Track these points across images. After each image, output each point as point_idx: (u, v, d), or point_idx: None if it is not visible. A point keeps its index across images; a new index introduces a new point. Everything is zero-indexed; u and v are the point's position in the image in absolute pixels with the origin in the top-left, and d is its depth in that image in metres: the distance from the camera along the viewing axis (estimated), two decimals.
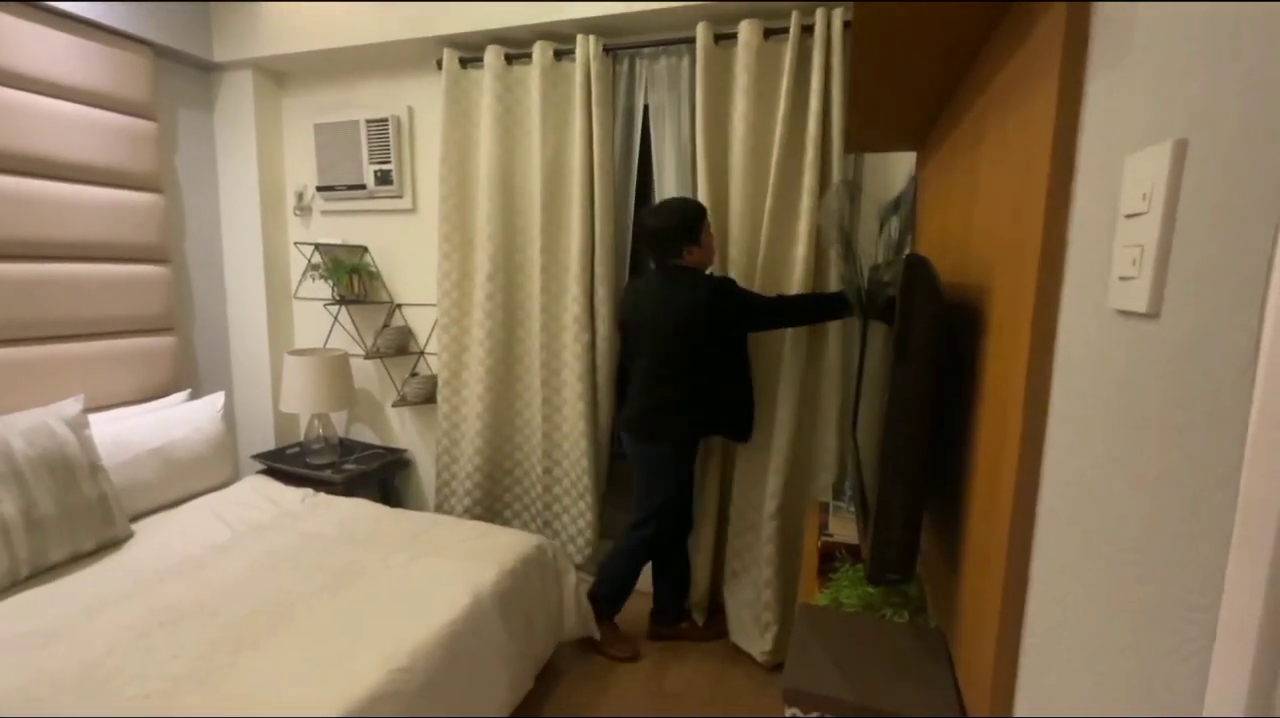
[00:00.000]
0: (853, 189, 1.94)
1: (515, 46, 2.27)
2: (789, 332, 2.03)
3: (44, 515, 1.73)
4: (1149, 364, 0.44)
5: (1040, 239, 0.62)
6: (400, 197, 2.61)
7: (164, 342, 2.48)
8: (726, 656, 2.14)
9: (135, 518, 2.02)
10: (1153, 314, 0.44)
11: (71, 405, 1.93)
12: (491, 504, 2.55)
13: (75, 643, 1.42)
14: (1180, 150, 0.41)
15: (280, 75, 2.74)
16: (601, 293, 2.26)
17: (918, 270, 0.83)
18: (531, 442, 2.45)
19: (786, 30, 1.93)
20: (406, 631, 1.47)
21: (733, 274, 2.06)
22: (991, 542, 0.73)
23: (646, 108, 2.23)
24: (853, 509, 1.57)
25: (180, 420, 2.29)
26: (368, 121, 2.56)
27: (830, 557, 1.40)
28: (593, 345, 2.29)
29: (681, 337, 1.93)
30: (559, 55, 2.23)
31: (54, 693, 1.26)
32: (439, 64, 2.35)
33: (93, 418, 2.01)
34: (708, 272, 2.01)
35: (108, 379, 2.27)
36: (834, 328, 2.02)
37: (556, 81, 2.23)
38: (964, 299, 0.95)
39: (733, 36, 1.99)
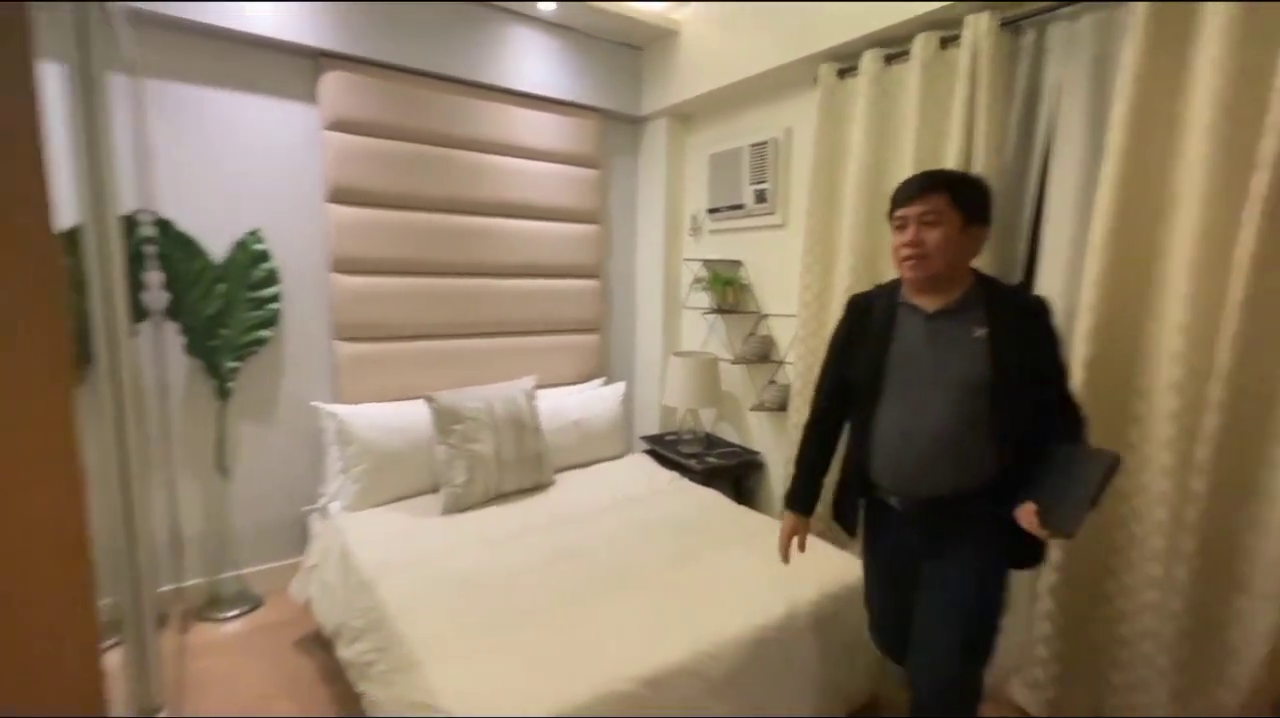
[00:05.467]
0: None
1: (895, 45, 2.15)
2: None
3: (507, 458, 2.43)
4: None
5: None
6: (773, 213, 2.75)
7: (590, 339, 3.20)
8: None
9: (556, 471, 2.66)
10: None
11: (528, 382, 2.67)
12: (831, 523, 2.47)
13: (509, 553, 1.96)
14: None
15: (686, 117, 3.21)
16: None
17: None
18: None
19: None
20: (720, 620, 1.57)
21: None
22: None
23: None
24: None
25: (594, 401, 2.92)
26: (750, 146, 2.78)
27: None
28: None
29: None
30: (944, 44, 2.02)
31: (494, 582, 1.76)
32: (815, 80, 2.40)
33: (540, 393, 2.73)
34: None
35: (551, 365, 3.05)
36: None
37: (938, 73, 2.02)
38: None
39: None
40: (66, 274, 0.85)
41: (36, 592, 0.84)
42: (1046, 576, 1.81)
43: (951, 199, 1.28)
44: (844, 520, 1.59)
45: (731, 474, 2.85)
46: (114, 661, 1.36)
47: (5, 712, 0.85)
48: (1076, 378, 1.71)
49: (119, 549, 1.57)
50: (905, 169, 2.10)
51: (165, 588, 2.13)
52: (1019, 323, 1.29)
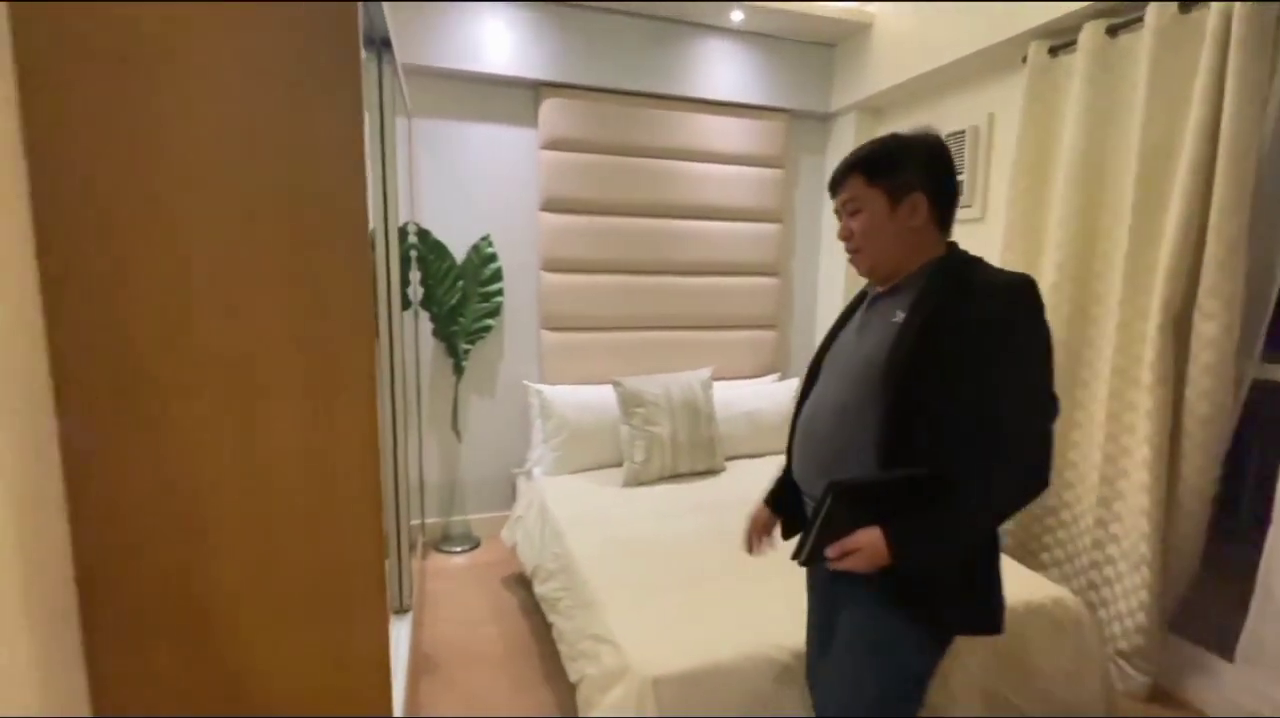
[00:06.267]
0: None
1: (1119, 15, 1.93)
2: None
3: (682, 441, 2.63)
4: None
5: None
6: (969, 206, 2.59)
7: (768, 335, 3.28)
8: None
9: (727, 459, 2.79)
10: None
11: (704, 373, 2.83)
12: (1027, 543, 2.27)
13: (678, 526, 2.14)
14: None
15: (877, 111, 3.12)
16: (1208, 329, 1.71)
17: None
18: (1086, 482, 2.06)
19: None
20: None
21: None
22: None
23: None
24: None
25: (767, 395, 3.00)
26: (946, 136, 2.63)
27: None
28: (1176, 388, 1.78)
29: None
30: (1184, 6, 1.77)
31: (663, 549, 1.97)
32: (1024, 60, 2.22)
33: (716, 384, 2.88)
34: None
35: (729, 359, 3.18)
36: None
37: (1176, 40, 1.78)
38: None
39: None
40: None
41: (349, 504, 1.20)
42: None
43: (867, 179, 1.11)
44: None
45: None
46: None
47: (327, 593, 1.20)
48: None
49: (387, 485, 2.04)
50: (1129, 152, 1.89)
51: (414, 522, 2.68)
52: (952, 305, 1.02)
